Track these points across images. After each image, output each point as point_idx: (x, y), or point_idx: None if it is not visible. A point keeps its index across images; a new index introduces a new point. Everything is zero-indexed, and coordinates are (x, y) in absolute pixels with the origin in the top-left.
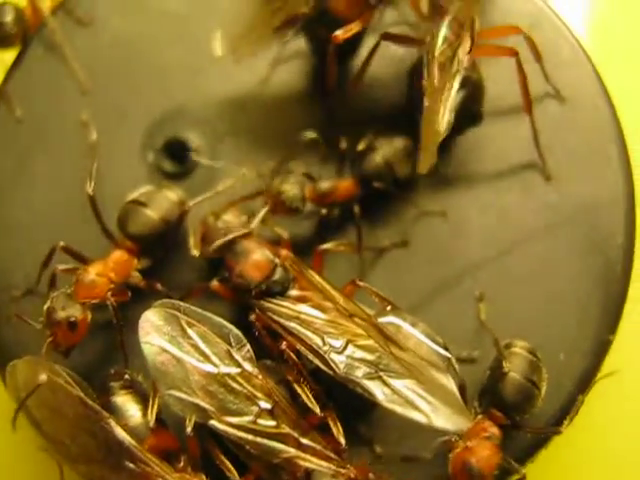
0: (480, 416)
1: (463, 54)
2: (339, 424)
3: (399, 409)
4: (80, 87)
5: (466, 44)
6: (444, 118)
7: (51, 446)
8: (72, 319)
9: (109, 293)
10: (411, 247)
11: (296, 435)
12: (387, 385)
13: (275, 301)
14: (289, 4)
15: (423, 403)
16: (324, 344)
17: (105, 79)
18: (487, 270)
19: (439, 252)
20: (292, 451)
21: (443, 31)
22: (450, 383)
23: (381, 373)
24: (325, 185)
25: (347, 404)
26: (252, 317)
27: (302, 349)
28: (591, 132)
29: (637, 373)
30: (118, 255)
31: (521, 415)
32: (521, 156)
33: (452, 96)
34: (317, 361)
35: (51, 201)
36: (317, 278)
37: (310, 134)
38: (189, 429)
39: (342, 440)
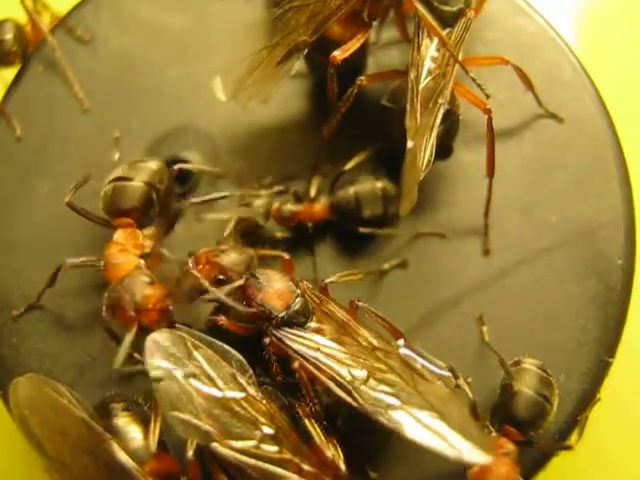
0: (494, 434)
1: (447, 87)
2: (339, 450)
3: (424, 441)
4: (80, 105)
5: (450, 76)
6: (426, 155)
7: (52, 466)
8: (146, 280)
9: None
10: (410, 269)
11: (297, 461)
12: (412, 416)
13: (294, 331)
14: (288, 36)
15: (448, 436)
16: (348, 374)
17: (105, 97)
18: (487, 292)
19: (438, 273)
20: (293, 477)
21: (427, 64)
22: (470, 415)
23: (404, 405)
24: (287, 208)
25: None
26: (266, 340)
27: (324, 380)
28: (591, 152)
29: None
30: (119, 234)
31: (535, 430)
32: (521, 177)
33: (435, 132)
34: (340, 391)
35: (50, 220)
36: (337, 308)
37: None
38: (190, 453)
39: (342, 466)
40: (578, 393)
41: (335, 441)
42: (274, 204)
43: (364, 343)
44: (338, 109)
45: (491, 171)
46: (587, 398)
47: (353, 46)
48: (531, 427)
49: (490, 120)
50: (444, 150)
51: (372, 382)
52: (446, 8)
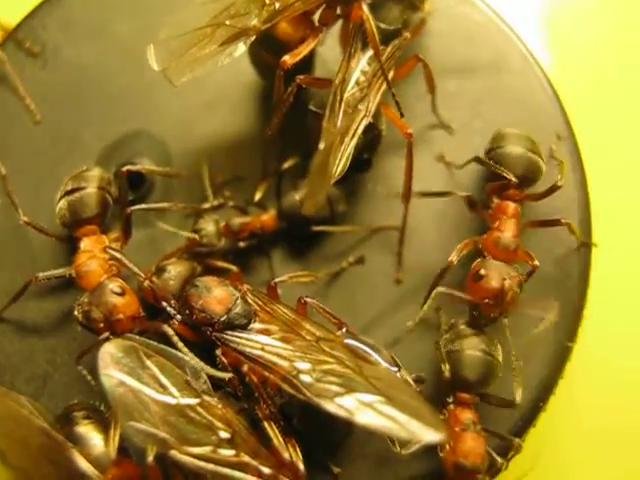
0: (451, 406)
1: (374, 100)
2: (299, 450)
3: (375, 425)
4: (31, 117)
5: (376, 89)
6: (341, 163)
7: (15, 475)
8: (116, 290)
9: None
10: (367, 263)
11: (256, 464)
12: (360, 402)
13: (238, 334)
14: (238, 19)
15: (398, 418)
16: (292, 369)
17: (56, 108)
18: (445, 281)
19: (395, 266)
20: (252, 479)
21: (356, 74)
22: (419, 396)
23: (352, 392)
24: (236, 222)
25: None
26: (218, 352)
27: (270, 377)
28: (542, 138)
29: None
30: (85, 242)
31: (486, 387)
32: (473, 166)
33: (354, 142)
34: (287, 386)
35: (7, 232)
36: (280, 307)
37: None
38: (150, 458)
39: (301, 466)
40: (539, 378)
41: (294, 442)
42: (221, 223)
43: (308, 337)
44: (279, 107)
45: (408, 196)
46: (548, 383)
47: (303, 51)
48: (481, 385)
49: (410, 145)
50: (363, 163)
51: (318, 374)
52: (383, 26)
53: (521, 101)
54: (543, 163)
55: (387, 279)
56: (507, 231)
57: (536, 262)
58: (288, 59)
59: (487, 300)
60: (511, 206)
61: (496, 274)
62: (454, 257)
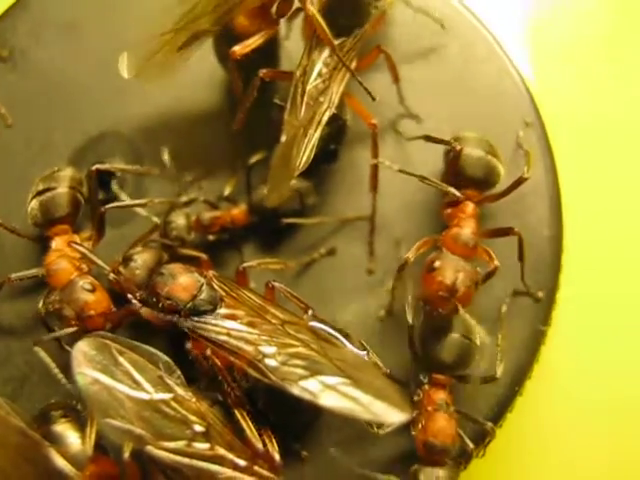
0: (425, 386)
1: (337, 91)
2: (274, 441)
3: (339, 407)
4: (3, 121)
5: (338, 80)
6: (305, 155)
7: None
8: (87, 287)
9: (82, 265)
10: (339, 253)
11: (231, 456)
12: (324, 385)
13: (204, 319)
14: (193, 23)
15: (362, 399)
16: (257, 353)
17: (27, 111)
18: (415, 268)
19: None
20: (227, 472)
21: (318, 66)
22: (385, 377)
23: (316, 375)
24: (206, 216)
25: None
26: (188, 345)
27: (237, 362)
28: (510, 124)
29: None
30: (56, 241)
31: (462, 369)
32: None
33: (318, 133)
34: (252, 371)
35: None
36: (244, 292)
37: None
38: (126, 454)
39: (277, 457)
40: (513, 363)
41: (270, 432)
42: (192, 217)
43: (274, 321)
44: (243, 102)
45: (375, 186)
46: (523, 368)
47: (255, 42)
48: (457, 368)
49: (375, 135)
50: (330, 154)
51: (283, 357)
52: (342, 19)
53: (488, 90)
54: (502, 167)
55: (359, 269)
56: (466, 227)
57: (496, 262)
58: (238, 49)
59: (440, 292)
60: (470, 206)
61: (450, 267)
62: (411, 254)
